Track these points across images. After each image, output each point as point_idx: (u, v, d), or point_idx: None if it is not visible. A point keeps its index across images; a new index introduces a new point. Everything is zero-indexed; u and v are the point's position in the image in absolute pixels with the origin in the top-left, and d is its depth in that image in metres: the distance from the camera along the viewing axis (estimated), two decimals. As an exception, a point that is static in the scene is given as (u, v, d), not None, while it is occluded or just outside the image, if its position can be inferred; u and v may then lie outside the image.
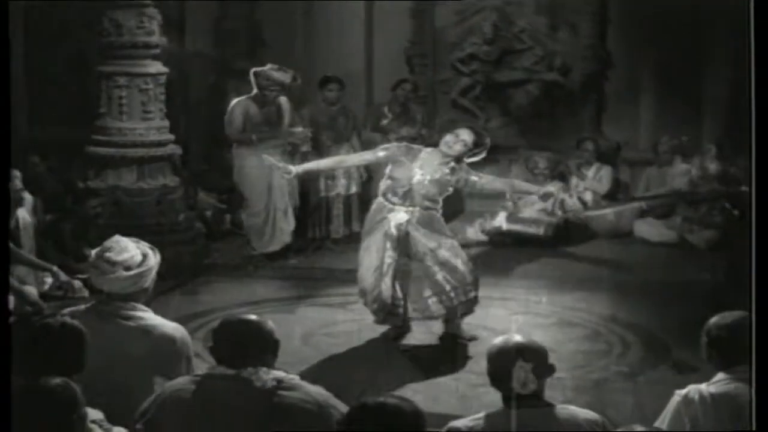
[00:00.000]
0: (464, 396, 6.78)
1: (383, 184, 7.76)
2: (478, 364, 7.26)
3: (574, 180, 12.21)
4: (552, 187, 8.20)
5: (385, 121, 11.38)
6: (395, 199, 7.61)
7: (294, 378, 4.18)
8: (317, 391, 4.17)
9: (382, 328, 7.95)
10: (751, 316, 3.76)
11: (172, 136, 10.20)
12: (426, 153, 7.70)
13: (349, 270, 9.29)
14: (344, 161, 9.17)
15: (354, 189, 11.08)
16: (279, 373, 4.16)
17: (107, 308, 4.84)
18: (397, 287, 7.64)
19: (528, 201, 11.68)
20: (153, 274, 4.97)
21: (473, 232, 11.34)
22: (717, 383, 4.39)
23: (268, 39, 13.07)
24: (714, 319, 4.50)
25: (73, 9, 12.32)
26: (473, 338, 7.85)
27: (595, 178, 12.27)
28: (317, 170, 9.48)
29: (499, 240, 11.34)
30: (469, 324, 7.90)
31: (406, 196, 7.58)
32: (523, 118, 13.00)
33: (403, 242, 7.56)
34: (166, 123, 10.13)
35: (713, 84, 12.39)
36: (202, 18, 13.17)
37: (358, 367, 7.40)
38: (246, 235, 10.53)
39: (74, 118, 11.65)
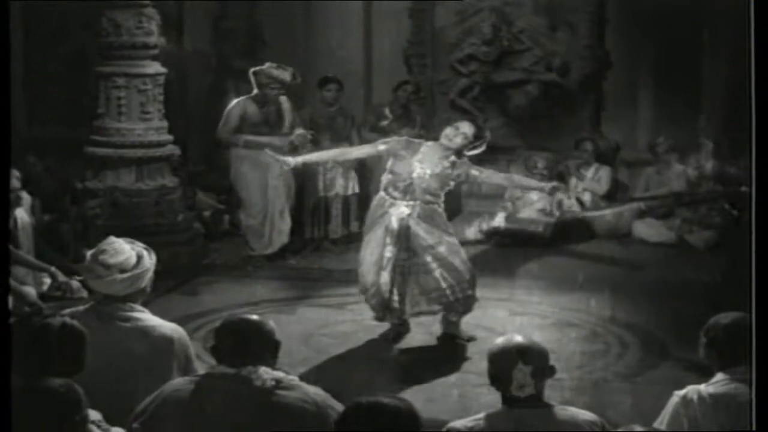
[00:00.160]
0: (463, 396, 6.78)
1: (384, 178, 7.76)
2: (476, 365, 7.28)
3: (572, 180, 12.21)
4: (556, 182, 8.18)
5: (384, 122, 11.38)
6: (396, 194, 7.61)
7: (293, 378, 4.18)
8: (315, 391, 4.17)
9: (381, 329, 7.94)
10: (751, 317, 3.76)
11: (170, 137, 10.20)
12: (426, 147, 7.69)
13: (348, 270, 9.30)
14: (344, 154, 9.15)
15: (352, 190, 11.08)
16: (278, 373, 4.16)
17: (105, 309, 4.83)
18: (396, 282, 7.63)
19: (526, 201, 11.68)
20: (149, 275, 4.96)
21: (472, 233, 11.33)
22: (716, 384, 4.39)
23: (267, 39, 13.07)
24: (713, 320, 4.50)
25: (72, 9, 12.31)
26: (472, 338, 7.85)
27: (594, 179, 12.27)
28: (317, 162, 9.49)
29: (497, 240, 11.33)
30: (467, 324, 7.90)
31: (407, 191, 7.57)
32: (522, 119, 12.99)
33: (403, 237, 7.55)
34: (165, 123, 10.13)
35: (711, 84, 12.39)
36: (201, 18, 13.17)
37: (356, 367, 7.40)
38: (244, 236, 10.52)
39: (73, 119, 11.66)
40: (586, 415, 4.15)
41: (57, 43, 13.09)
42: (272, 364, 4.21)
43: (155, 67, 10.01)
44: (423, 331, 8.00)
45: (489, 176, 7.96)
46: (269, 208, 10.27)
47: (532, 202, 11.64)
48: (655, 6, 12.31)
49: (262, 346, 4.22)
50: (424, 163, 7.58)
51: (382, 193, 7.72)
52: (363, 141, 11.07)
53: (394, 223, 7.55)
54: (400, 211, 7.56)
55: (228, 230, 11.51)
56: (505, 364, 4.10)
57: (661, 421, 4.40)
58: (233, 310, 8.13)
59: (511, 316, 8.61)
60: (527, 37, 12.97)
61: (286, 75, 10.15)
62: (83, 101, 11.31)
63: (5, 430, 3.62)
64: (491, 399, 4.43)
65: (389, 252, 7.57)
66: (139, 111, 9.94)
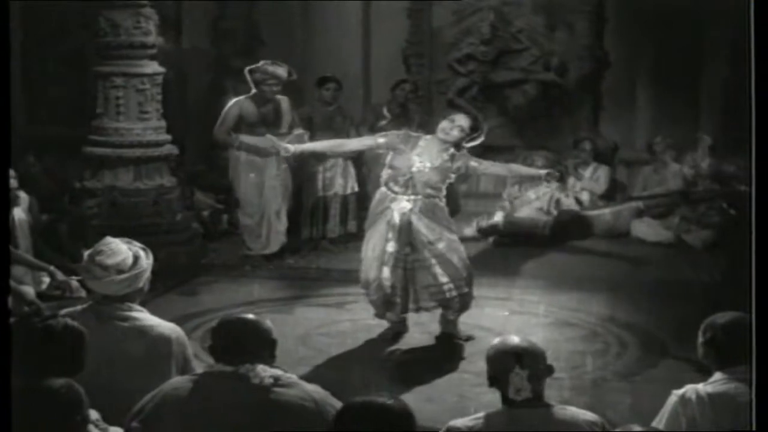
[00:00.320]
0: (462, 396, 6.78)
1: (384, 173, 7.76)
2: (475, 364, 7.27)
3: (571, 180, 12.22)
4: (553, 170, 8.16)
5: (383, 122, 11.38)
6: (397, 188, 7.60)
7: (291, 376, 4.19)
8: (314, 389, 4.18)
9: (380, 329, 7.94)
10: (751, 316, 3.76)
11: (169, 137, 10.19)
12: (425, 141, 7.69)
13: (346, 270, 9.31)
14: (342, 145, 9.11)
15: (351, 189, 11.08)
16: (276, 371, 4.17)
17: (104, 309, 4.83)
18: (398, 277, 7.62)
19: (524, 200, 11.69)
20: (146, 275, 4.96)
21: (470, 232, 11.33)
22: (714, 383, 4.39)
23: (265, 38, 13.07)
24: (710, 319, 4.50)
25: (72, 9, 12.31)
26: (470, 338, 7.85)
27: (593, 178, 12.28)
28: (314, 151, 9.49)
29: (496, 239, 11.33)
30: (465, 324, 7.90)
31: (408, 185, 7.57)
32: (520, 118, 13.00)
33: (405, 231, 7.55)
34: (163, 123, 10.12)
35: (710, 83, 12.41)
36: (199, 18, 13.17)
37: (354, 367, 7.39)
38: (242, 236, 10.52)
39: (71, 118, 11.66)
40: (586, 415, 4.15)
41: (56, 43, 13.09)
42: (270, 362, 4.22)
43: (153, 67, 10.00)
44: (421, 331, 8.00)
45: (488, 167, 7.96)
46: (266, 209, 10.27)
47: (530, 201, 11.64)
48: (653, 6, 12.32)
49: (259, 344, 4.23)
50: (423, 156, 7.58)
51: (383, 188, 7.72)
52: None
53: (396, 218, 7.55)
54: (402, 205, 7.56)
55: (226, 230, 11.51)
56: (502, 367, 4.10)
57: (660, 420, 4.41)
58: (231, 309, 8.13)
59: (509, 315, 8.61)
60: (525, 36, 12.98)
61: (281, 71, 10.15)
62: (82, 101, 11.31)
63: (5, 430, 3.62)
64: (490, 398, 4.43)
65: (391, 247, 7.57)
66: (138, 111, 9.93)
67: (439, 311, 7.82)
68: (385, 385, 6.81)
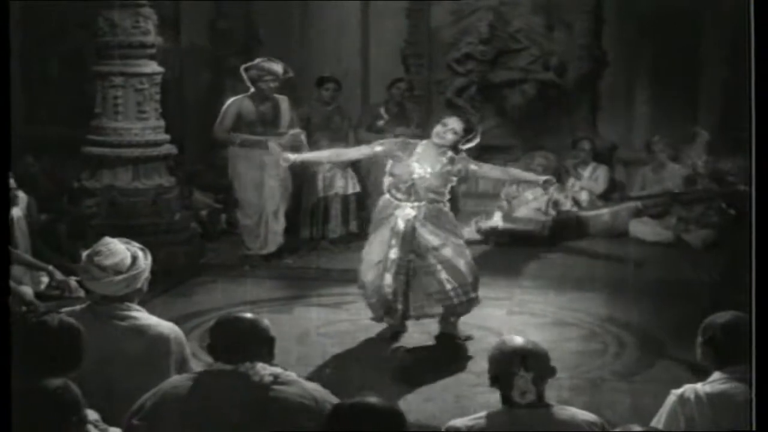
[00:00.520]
0: (461, 396, 6.78)
1: (386, 180, 7.76)
2: (473, 364, 7.29)
3: (570, 179, 12.22)
4: (552, 177, 8.15)
5: (381, 122, 11.38)
6: (400, 195, 7.60)
7: (290, 374, 4.20)
8: (314, 387, 4.20)
9: (378, 328, 7.94)
10: (751, 316, 3.76)
11: (167, 136, 10.19)
12: (422, 146, 7.69)
13: (346, 270, 9.30)
14: (342, 154, 9.16)
15: (352, 189, 11.08)
16: (276, 369, 4.18)
17: (102, 309, 4.84)
18: (399, 284, 7.61)
19: (522, 200, 11.69)
20: (145, 275, 4.96)
21: (469, 232, 11.31)
22: (713, 383, 4.39)
23: (263, 38, 13.06)
24: (710, 319, 4.51)
25: (72, 9, 12.30)
26: (469, 338, 7.85)
27: (591, 178, 12.28)
28: (313, 162, 9.51)
29: (495, 239, 11.34)
30: (465, 323, 7.90)
31: (411, 191, 7.57)
32: (519, 118, 13.00)
33: (409, 238, 7.54)
34: (162, 123, 10.12)
35: (708, 83, 12.41)
36: (197, 17, 13.16)
37: (353, 367, 7.39)
38: (241, 235, 10.52)
39: (70, 118, 11.65)
40: (585, 415, 4.15)
41: (55, 43, 13.09)
42: (269, 360, 4.23)
43: (152, 67, 10.00)
44: (420, 331, 8.00)
45: (487, 171, 7.97)
46: (264, 209, 10.27)
47: (528, 201, 11.64)
48: (652, 6, 12.33)
49: (257, 343, 4.24)
50: (421, 162, 7.58)
51: (386, 196, 7.71)
52: (360, 141, 11.09)
53: (400, 225, 7.55)
54: (406, 212, 7.56)
55: (225, 230, 11.51)
56: (506, 369, 4.08)
57: (658, 419, 4.41)
58: (230, 309, 8.12)
59: (508, 315, 8.61)
60: (524, 36, 12.98)
61: (277, 66, 10.17)
62: (81, 101, 11.30)
63: (5, 430, 3.62)
64: (489, 398, 4.43)
65: (394, 254, 7.56)
66: (136, 110, 9.92)
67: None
68: (384, 385, 6.81)
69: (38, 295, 8.03)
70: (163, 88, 10.19)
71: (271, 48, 11.67)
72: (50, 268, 8.13)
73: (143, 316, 4.85)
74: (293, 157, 8.13)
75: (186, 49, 13.07)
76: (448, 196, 7.73)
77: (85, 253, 5.00)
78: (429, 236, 7.55)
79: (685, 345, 6.08)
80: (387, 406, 3.54)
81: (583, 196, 12.13)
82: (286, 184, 10.42)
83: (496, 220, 11.52)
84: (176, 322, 5.15)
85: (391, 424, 3.52)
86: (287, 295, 9.28)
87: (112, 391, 4.46)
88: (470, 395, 6.70)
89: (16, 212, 8.61)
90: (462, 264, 7.61)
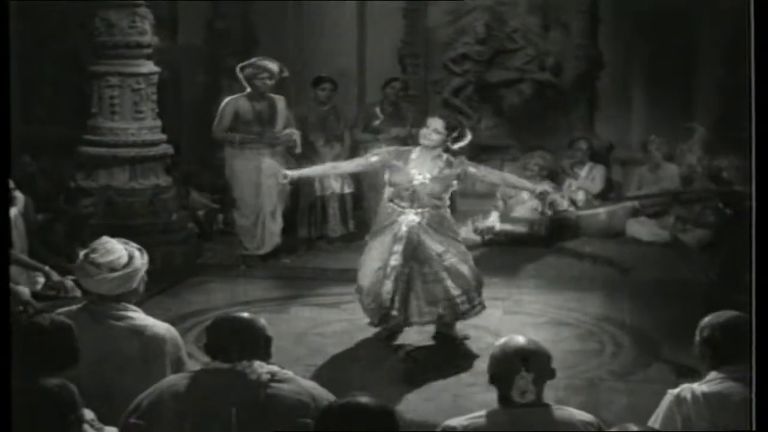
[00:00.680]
0: (457, 396, 6.79)
1: (387, 191, 7.75)
2: (471, 364, 7.29)
3: (567, 179, 12.22)
4: (547, 186, 8.14)
5: (376, 122, 11.38)
6: (403, 203, 7.60)
7: (287, 372, 4.20)
8: (311, 385, 4.21)
9: (376, 329, 7.93)
10: (751, 316, 3.76)
11: (164, 136, 10.19)
12: (416, 152, 7.68)
13: (343, 270, 9.30)
14: (337, 168, 9.23)
15: (347, 188, 11.09)
16: (273, 367, 4.18)
17: (98, 309, 4.84)
18: (399, 291, 7.59)
19: (519, 200, 11.68)
20: (141, 275, 4.96)
21: (465, 232, 11.30)
22: (709, 382, 4.39)
23: (260, 38, 13.06)
24: (707, 319, 4.50)
25: (72, 9, 12.29)
26: (466, 338, 7.85)
27: (588, 178, 12.27)
28: (312, 176, 9.60)
29: (492, 240, 11.33)
30: (462, 323, 7.89)
31: (413, 198, 7.56)
32: (516, 118, 13.00)
33: (412, 245, 7.53)
34: (159, 123, 10.12)
35: (704, 83, 12.41)
36: (194, 17, 13.16)
37: (350, 367, 7.40)
38: (238, 235, 10.52)
39: (68, 118, 11.64)
40: (582, 415, 4.14)
41: (52, 43, 13.07)
42: (266, 360, 4.23)
43: (149, 67, 10.00)
44: (417, 330, 7.99)
45: (485, 174, 7.97)
46: (261, 209, 10.27)
47: (524, 201, 11.63)
48: (648, 6, 12.34)
49: (253, 342, 4.25)
50: (420, 168, 7.58)
51: (389, 204, 7.70)
52: (355, 141, 11.12)
53: (404, 231, 7.54)
54: (410, 219, 7.55)
55: (222, 230, 11.50)
56: (507, 368, 4.08)
57: (655, 419, 4.40)
58: (227, 309, 8.11)
59: (505, 315, 8.61)
60: (520, 36, 12.98)
61: (272, 64, 10.18)
62: (78, 101, 11.30)
63: (5, 430, 3.62)
64: (485, 398, 4.43)
65: (395, 260, 7.55)
66: (133, 110, 9.93)
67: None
68: (381, 385, 6.82)
69: (35, 296, 8.02)
70: (159, 88, 10.20)
71: (267, 48, 11.67)
72: (46, 268, 8.13)
73: (139, 317, 4.86)
74: (291, 173, 8.15)
75: (183, 49, 13.06)
76: (448, 202, 7.74)
77: (82, 252, 5.00)
78: (433, 243, 7.54)
79: (682, 345, 6.11)
80: (379, 405, 3.54)
81: (580, 196, 12.12)
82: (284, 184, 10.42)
83: (493, 220, 11.52)
84: (173, 322, 5.18)
85: (383, 423, 3.51)
86: (284, 295, 9.29)
87: (108, 390, 4.46)
88: (467, 395, 6.71)
89: (13, 212, 8.60)
90: (466, 270, 7.62)
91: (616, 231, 11.68)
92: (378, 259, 7.61)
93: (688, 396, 4.34)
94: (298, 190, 10.91)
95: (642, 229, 11.55)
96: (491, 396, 4.20)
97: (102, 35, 9.82)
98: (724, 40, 11.77)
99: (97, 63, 9.97)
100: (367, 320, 7.88)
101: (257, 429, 4.03)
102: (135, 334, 4.77)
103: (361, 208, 11.28)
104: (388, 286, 7.54)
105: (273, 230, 10.35)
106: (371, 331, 7.95)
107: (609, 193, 12.45)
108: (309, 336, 8.05)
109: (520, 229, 11.39)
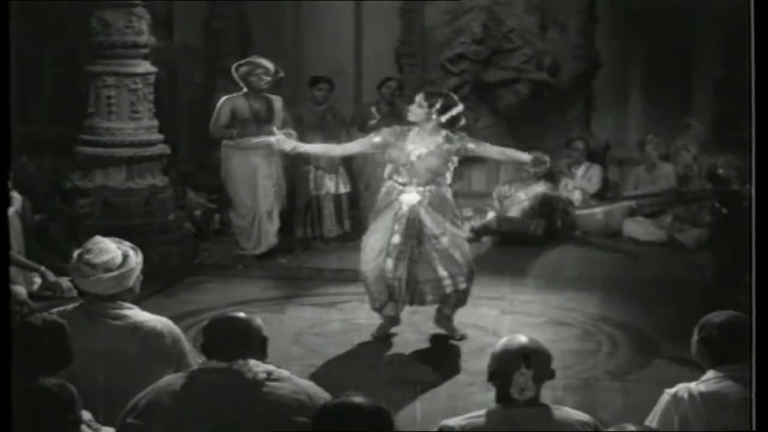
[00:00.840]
0: (454, 395, 6.78)
1: (387, 168, 7.76)
2: (468, 364, 7.28)
3: (564, 179, 12.23)
4: (540, 154, 8.05)
5: (373, 122, 11.36)
6: (402, 179, 7.59)
7: (283, 372, 4.20)
8: (307, 384, 4.21)
9: (372, 328, 7.92)
10: (751, 316, 3.75)
11: (161, 136, 10.18)
12: (415, 131, 7.69)
13: (339, 269, 9.30)
14: (336, 149, 9.19)
15: (343, 189, 11.09)
16: (269, 366, 4.18)
17: (95, 308, 4.83)
18: (402, 269, 7.56)
19: (515, 200, 11.70)
20: (136, 274, 4.95)
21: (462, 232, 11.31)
22: (707, 381, 4.39)
23: (257, 38, 13.06)
24: (706, 318, 4.50)
25: (67, 8, 12.29)
26: (463, 337, 7.85)
27: (585, 177, 12.28)
28: (315, 153, 9.51)
29: (488, 239, 11.34)
30: (459, 323, 7.90)
31: (412, 173, 7.55)
32: (512, 118, 13.00)
33: (412, 224, 7.52)
34: (155, 123, 10.12)
35: (702, 83, 12.42)
36: (191, 17, 13.16)
37: (347, 367, 7.39)
38: (234, 235, 10.52)
39: (65, 118, 11.63)
40: (579, 415, 4.14)
41: (49, 43, 13.07)
42: (262, 359, 4.23)
43: (145, 67, 9.99)
44: (415, 331, 7.99)
45: (485, 149, 7.88)
46: (257, 209, 10.26)
47: (521, 200, 11.65)
48: (645, 6, 12.34)
49: (250, 342, 4.24)
50: (416, 143, 7.59)
51: (389, 182, 7.70)
52: (352, 141, 11.09)
53: (405, 210, 7.52)
54: (411, 197, 7.54)
55: (218, 230, 11.51)
56: (507, 366, 4.08)
57: (652, 419, 4.40)
58: (224, 309, 8.10)
59: (502, 315, 8.61)
60: (517, 36, 12.99)
61: (267, 62, 10.18)
62: (75, 101, 11.29)
63: (5, 430, 3.61)
64: (483, 398, 4.43)
65: (396, 239, 7.52)
66: (129, 110, 9.92)
67: (435, 307, 7.80)
68: (379, 384, 6.81)
69: (31, 296, 8.02)
70: (156, 88, 10.19)
71: (264, 48, 11.67)
72: (42, 268, 8.13)
73: (135, 314, 4.85)
74: (291, 145, 8.14)
75: (179, 49, 13.06)
76: (450, 180, 7.72)
77: (76, 252, 5.00)
78: (430, 224, 7.52)
79: (679, 344, 6.10)
80: (373, 405, 3.53)
81: (577, 196, 12.13)
82: (280, 183, 10.43)
83: (490, 220, 11.53)
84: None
85: (378, 423, 3.51)
86: (281, 295, 9.28)
87: (107, 389, 4.45)
88: (464, 394, 6.70)
89: (10, 212, 8.60)
90: (458, 254, 7.60)
91: (613, 231, 11.69)
92: (380, 239, 7.60)
93: (685, 395, 4.33)
94: (294, 190, 10.92)
95: (639, 228, 11.56)
96: (490, 396, 4.20)
97: (99, 35, 9.81)
98: (722, 40, 11.78)
99: (94, 63, 9.97)
100: (365, 315, 7.88)
101: (254, 428, 4.02)
102: (132, 331, 4.76)
103: (357, 208, 11.27)
104: (390, 264, 7.53)
105: (269, 230, 10.35)
106: (368, 331, 7.94)
107: (606, 192, 12.46)
108: (305, 336, 8.04)
109: (517, 228, 11.39)
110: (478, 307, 8.29)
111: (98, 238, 5.00)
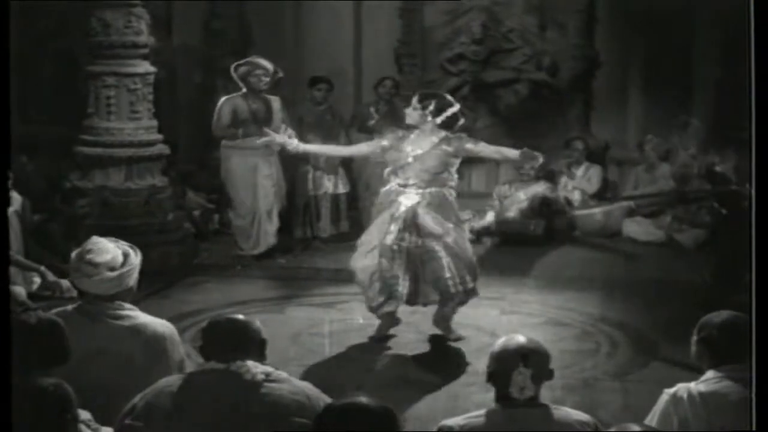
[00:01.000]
0: (453, 395, 6.78)
1: (386, 170, 7.77)
2: (467, 364, 7.28)
3: (563, 179, 12.22)
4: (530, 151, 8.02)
5: (371, 121, 11.37)
6: (401, 181, 7.60)
7: (282, 373, 4.20)
8: (306, 385, 4.21)
9: (371, 328, 7.92)
10: (751, 316, 3.75)
11: (160, 136, 10.19)
12: (415, 134, 7.70)
13: (338, 270, 9.29)
14: (347, 149, 9.17)
15: (342, 188, 11.10)
16: (267, 368, 4.18)
17: (95, 308, 4.82)
18: (398, 268, 7.55)
19: (514, 200, 11.69)
20: (136, 273, 4.95)
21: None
22: (706, 382, 4.38)
23: (257, 38, 13.06)
24: (705, 318, 4.49)
25: (67, 8, 12.29)
26: (459, 338, 7.84)
27: (584, 178, 12.28)
28: (320, 153, 9.60)
29: (488, 239, 11.34)
30: (457, 323, 7.89)
31: (410, 174, 7.56)
32: (512, 118, 13.01)
33: (408, 223, 7.51)
34: (155, 123, 10.12)
35: (701, 83, 12.42)
36: (190, 17, 13.16)
37: (345, 367, 7.39)
38: (233, 236, 10.52)
39: (64, 118, 11.63)
40: (579, 415, 4.14)
41: (49, 43, 13.07)
42: (261, 361, 4.23)
43: (145, 67, 9.99)
44: (414, 331, 7.99)
45: (482, 149, 7.86)
46: (257, 209, 10.26)
47: (520, 201, 11.64)
48: (645, 6, 12.34)
49: (248, 344, 4.24)
50: (414, 144, 7.61)
51: (389, 184, 7.71)
52: (351, 141, 11.10)
53: (401, 210, 7.52)
54: (410, 198, 7.55)
55: (218, 230, 11.51)
56: (506, 365, 4.07)
57: (651, 419, 4.40)
58: (223, 309, 8.12)
59: (502, 315, 8.61)
60: (517, 36, 12.99)
61: (267, 63, 10.18)
62: (74, 101, 11.29)
63: (5, 429, 3.61)
64: (482, 398, 4.43)
65: (390, 239, 7.50)
66: (129, 110, 9.92)
67: (435, 307, 7.79)
68: (380, 385, 6.81)
69: (31, 296, 8.03)
70: (156, 88, 10.20)
71: (264, 48, 11.68)
72: (42, 269, 8.13)
73: (136, 315, 4.84)
74: (295, 145, 8.14)
75: (179, 50, 13.06)
76: (453, 183, 7.72)
77: (74, 253, 4.99)
78: (432, 224, 7.52)
79: (678, 344, 6.10)
80: (379, 406, 3.53)
81: (576, 196, 12.13)
82: (279, 183, 10.43)
83: (489, 220, 11.53)
84: (169, 322, 5.14)
85: (384, 424, 3.51)
86: (279, 295, 9.28)
87: (106, 389, 4.45)
88: (463, 394, 6.70)
89: (9, 212, 8.60)
90: (463, 254, 7.61)
91: (612, 231, 11.69)
92: (374, 239, 7.60)
93: (685, 395, 4.33)
94: (294, 190, 10.92)
95: (638, 229, 11.56)
96: (489, 396, 4.20)
97: (98, 35, 9.81)
98: (721, 40, 11.78)
99: (94, 63, 9.97)
100: (363, 316, 7.88)
101: (252, 429, 4.02)
102: (135, 333, 4.75)
103: (356, 209, 11.27)
104: (384, 263, 7.52)
105: (269, 230, 10.36)
106: (366, 332, 7.94)
107: (605, 193, 12.46)
108: (304, 336, 8.04)
109: (516, 228, 11.39)
110: (478, 307, 8.29)
111: (95, 238, 4.99)
